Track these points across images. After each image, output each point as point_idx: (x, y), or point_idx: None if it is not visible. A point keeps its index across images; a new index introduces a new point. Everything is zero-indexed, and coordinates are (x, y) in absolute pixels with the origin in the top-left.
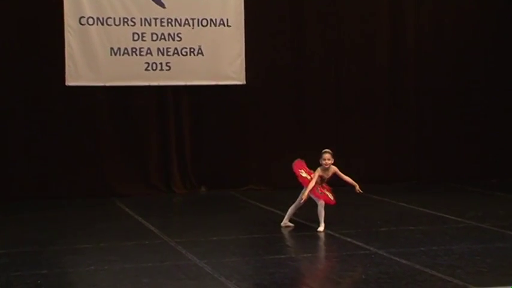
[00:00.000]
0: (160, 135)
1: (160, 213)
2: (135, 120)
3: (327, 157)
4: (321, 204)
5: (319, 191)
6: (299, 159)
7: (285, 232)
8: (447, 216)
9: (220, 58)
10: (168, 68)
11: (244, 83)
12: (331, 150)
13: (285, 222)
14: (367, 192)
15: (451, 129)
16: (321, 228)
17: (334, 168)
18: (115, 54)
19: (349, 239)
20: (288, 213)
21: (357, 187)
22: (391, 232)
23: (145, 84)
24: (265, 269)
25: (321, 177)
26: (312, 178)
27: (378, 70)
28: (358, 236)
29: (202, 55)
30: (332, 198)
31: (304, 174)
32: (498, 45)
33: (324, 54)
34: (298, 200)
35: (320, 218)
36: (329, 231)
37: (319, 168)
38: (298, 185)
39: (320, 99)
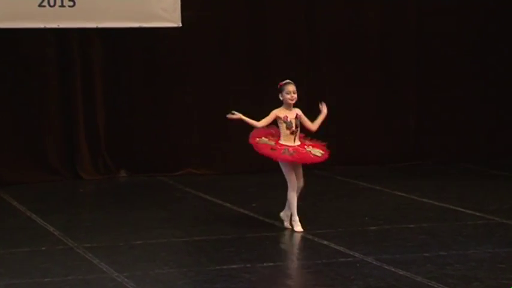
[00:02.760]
0: (61, 99)
1: (62, 208)
2: (26, 78)
3: (292, 89)
4: (292, 186)
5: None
6: (256, 131)
7: (239, 233)
8: (460, 209)
9: None
10: (71, 3)
11: (180, 25)
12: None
13: (288, 218)
14: (351, 177)
15: (466, 93)
16: (298, 226)
17: (298, 111)
18: None
19: (325, 242)
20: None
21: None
22: (384, 232)
23: (39, 27)
24: (210, 284)
25: (284, 121)
26: (276, 143)
27: (368, 28)
28: (339, 237)
29: None
30: (321, 153)
31: (264, 141)
32: None
33: None
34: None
35: (292, 208)
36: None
37: (276, 110)
38: (259, 167)
39: (288, 52)
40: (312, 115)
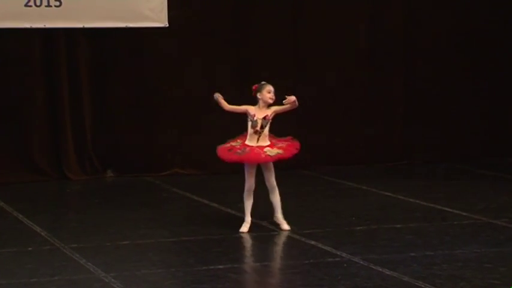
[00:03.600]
0: (48, 99)
1: (49, 209)
2: (11, 78)
3: (272, 89)
4: (271, 187)
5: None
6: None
7: (226, 233)
8: (447, 209)
9: None
10: (58, 3)
11: (166, 25)
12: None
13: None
14: (338, 177)
15: (452, 92)
16: (283, 224)
17: (273, 109)
18: None
19: (312, 242)
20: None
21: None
22: (371, 232)
23: (25, 27)
24: (198, 284)
25: (251, 119)
26: (242, 144)
27: (353, 18)
28: (326, 237)
29: None
30: (277, 152)
31: (232, 143)
32: None
33: None
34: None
35: (276, 207)
36: (285, 232)
37: (249, 106)
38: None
39: (274, 53)
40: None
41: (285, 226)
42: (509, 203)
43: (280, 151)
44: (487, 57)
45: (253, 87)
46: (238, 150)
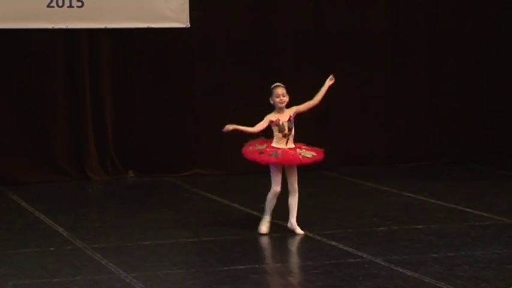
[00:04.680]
0: (70, 100)
1: (71, 209)
2: (34, 79)
3: (281, 92)
4: (293, 190)
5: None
6: (251, 141)
7: (247, 234)
8: (469, 210)
9: None
10: (80, 4)
11: (188, 25)
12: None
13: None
14: (359, 177)
15: (475, 93)
16: (297, 228)
17: (294, 109)
18: None
19: (334, 243)
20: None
21: (329, 80)
22: (392, 233)
23: (47, 27)
24: (219, 284)
25: (276, 124)
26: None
27: (376, 19)
28: (347, 238)
29: None
30: (312, 155)
31: (255, 148)
32: None
33: None
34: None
35: (292, 210)
36: (307, 232)
37: (269, 114)
38: (266, 167)
39: (296, 52)
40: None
41: (299, 230)
42: None
43: (313, 153)
44: (510, 58)
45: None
46: (271, 153)
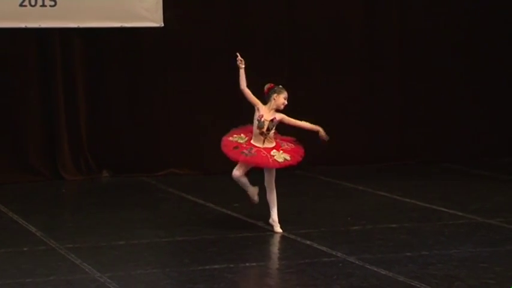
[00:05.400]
0: (42, 99)
1: (45, 209)
2: (6, 78)
3: (287, 97)
4: (270, 188)
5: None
6: (237, 129)
7: (221, 233)
8: (443, 209)
9: None
10: (53, 3)
11: (162, 25)
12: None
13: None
14: (334, 177)
15: (449, 92)
16: (277, 226)
17: (282, 115)
18: None
19: (308, 242)
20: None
21: (321, 131)
22: (366, 232)
23: (20, 27)
24: (193, 284)
25: (258, 119)
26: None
27: (351, 25)
28: (322, 237)
29: None
30: (285, 159)
31: (235, 139)
32: None
33: None
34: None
35: (272, 205)
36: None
37: (262, 104)
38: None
39: (270, 52)
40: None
41: (278, 229)
42: (504, 203)
43: (287, 157)
44: (485, 58)
45: (269, 86)
46: (245, 150)
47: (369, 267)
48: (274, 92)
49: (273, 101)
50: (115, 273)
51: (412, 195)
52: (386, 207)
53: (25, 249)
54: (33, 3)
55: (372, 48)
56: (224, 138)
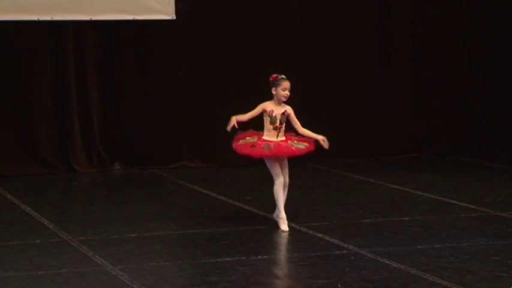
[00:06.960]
0: (55, 92)
1: (56, 201)
2: (19, 70)
3: (288, 86)
4: (278, 181)
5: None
6: (240, 133)
7: (233, 226)
8: (455, 202)
9: None
10: None
11: (174, 17)
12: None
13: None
14: (346, 170)
15: (461, 85)
16: (284, 225)
17: (290, 110)
18: None
19: (320, 235)
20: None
21: (321, 141)
22: (378, 225)
23: (32, 19)
24: (205, 276)
25: (269, 115)
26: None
27: (362, 19)
28: (333, 230)
29: None
30: (305, 145)
31: (245, 141)
32: None
33: None
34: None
35: (279, 203)
36: (293, 225)
37: (264, 103)
38: (253, 160)
39: (281, 45)
40: (304, 108)
41: (285, 227)
42: None
43: (306, 144)
44: (499, 51)
45: (271, 78)
46: (263, 145)
47: (380, 260)
48: (273, 86)
49: (274, 95)
50: (127, 265)
51: (424, 188)
52: (398, 200)
53: (37, 241)
54: None
55: (383, 41)
56: (235, 144)
